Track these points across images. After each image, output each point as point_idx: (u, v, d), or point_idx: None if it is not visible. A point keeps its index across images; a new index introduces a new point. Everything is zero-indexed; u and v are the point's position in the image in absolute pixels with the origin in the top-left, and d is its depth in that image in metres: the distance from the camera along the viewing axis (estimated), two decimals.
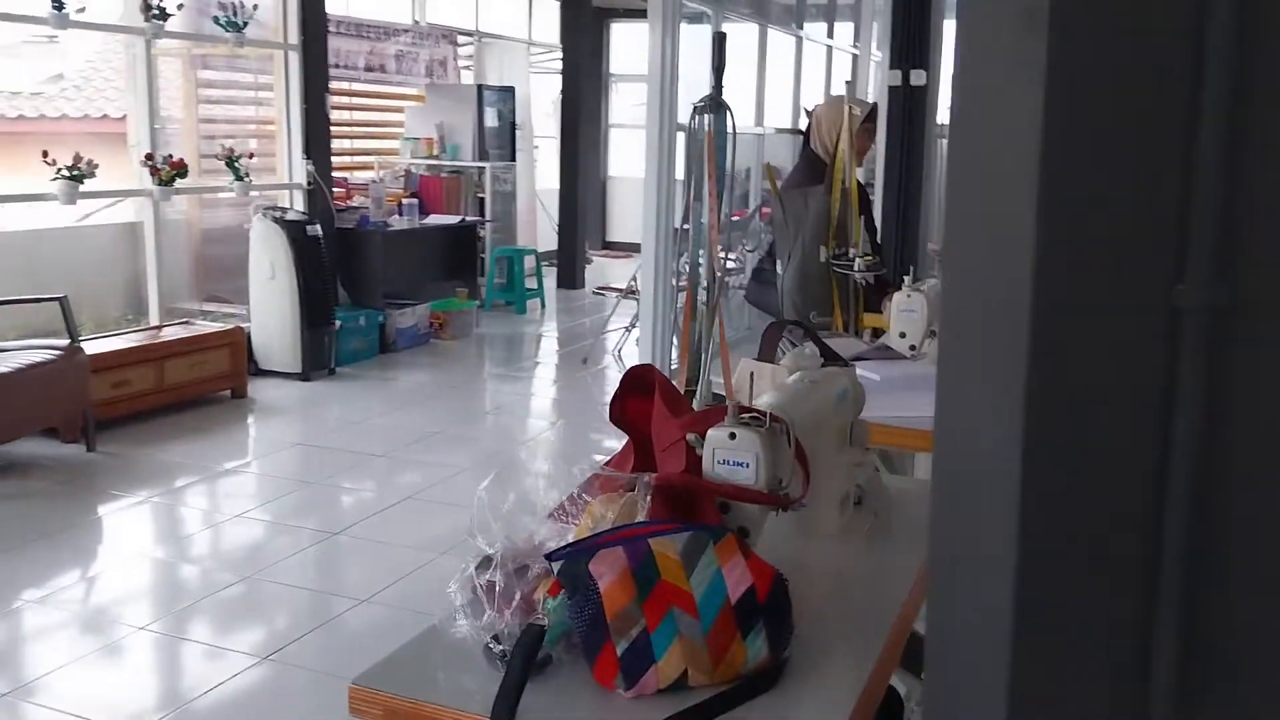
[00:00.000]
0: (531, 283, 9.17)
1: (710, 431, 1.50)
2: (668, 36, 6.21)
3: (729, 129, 3.03)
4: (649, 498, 1.44)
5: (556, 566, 1.30)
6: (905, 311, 2.67)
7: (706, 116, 2.68)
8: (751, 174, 8.08)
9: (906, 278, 2.72)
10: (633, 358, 7.28)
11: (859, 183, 3.38)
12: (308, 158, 6.71)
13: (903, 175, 5.32)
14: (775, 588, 1.34)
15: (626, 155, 13.20)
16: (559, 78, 11.85)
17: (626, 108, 13.30)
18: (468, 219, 8.40)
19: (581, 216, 10.43)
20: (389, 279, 7.36)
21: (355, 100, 8.87)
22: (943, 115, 5.81)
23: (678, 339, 2.70)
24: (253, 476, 4.99)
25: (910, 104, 5.39)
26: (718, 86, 3.16)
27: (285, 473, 5.01)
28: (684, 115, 6.68)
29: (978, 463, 0.94)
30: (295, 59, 6.63)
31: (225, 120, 7.49)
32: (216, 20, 6.11)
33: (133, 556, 3.97)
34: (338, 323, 6.58)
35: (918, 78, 5.41)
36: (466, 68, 10.37)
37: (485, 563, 1.42)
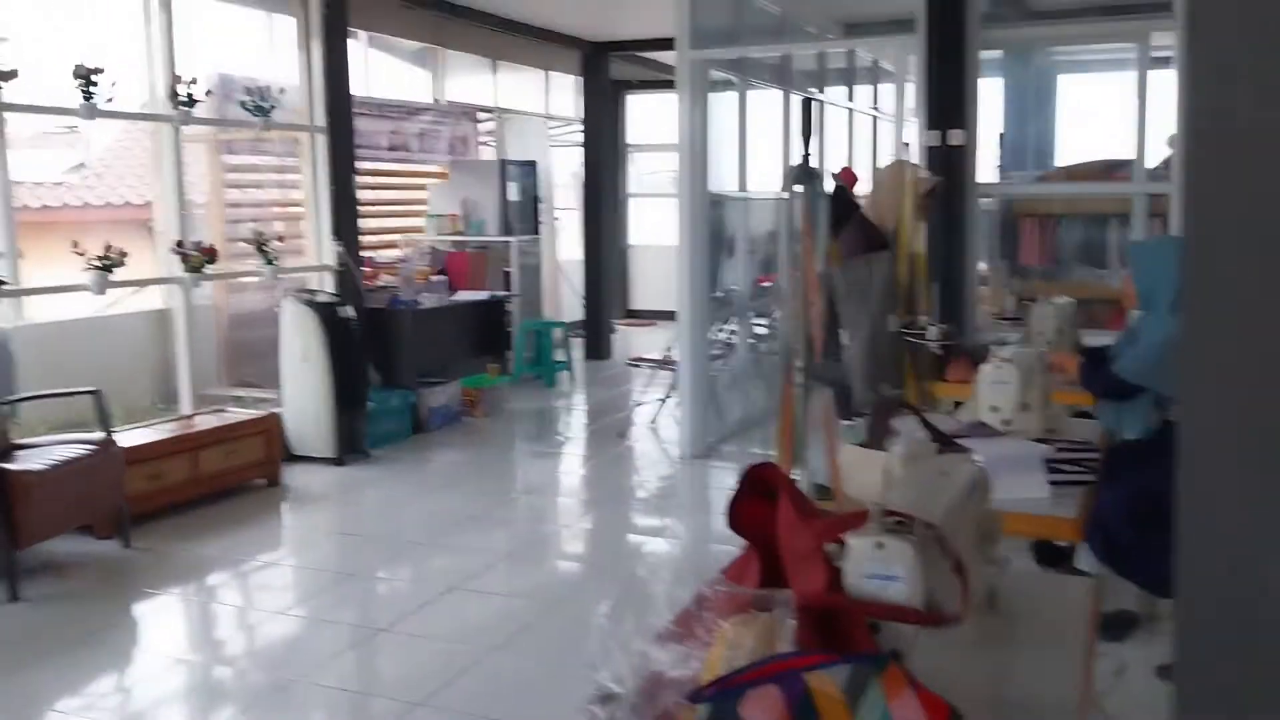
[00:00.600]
0: (560, 355, 9.05)
1: (852, 540, 1.35)
2: (696, 107, 6.17)
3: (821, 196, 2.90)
4: (793, 621, 1.29)
5: (702, 711, 1.15)
6: (996, 384, 2.53)
7: (799, 185, 2.55)
8: (781, 239, 7.99)
9: (995, 346, 2.58)
10: (669, 429, 7.14)
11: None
12: (337, 239, 6.65)
13: (948, 235, 5.22)
14: None
15: (646, 224, 13.18)
16: (577, 150, 11.88)
17: (643, 176, 13.32)
18: (497, 294, 8.31)
19: (606, 286, 10.35)
20: (420, 358, 7.25)
21: (379, 180, 8.85)
22: (981, 174, 5.72)
23: (778, 422, 2.54)
24: (289, 569, 4.83)
25: (949, 163, 5.31)
26: (806, 153, 3.04)
27: (322, 564, 4.84)
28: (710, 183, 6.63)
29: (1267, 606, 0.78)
30: (322, 141, 6.60)
31: (251, 204, 7.46)
32: (244, 105, 6.08)
33: (168, 660, 3.80)
34: (371, 404, 6.46)
35: (956, 138, 5.34)
36: (487, 144, 10.39)
37: (607, 699, 1.27)
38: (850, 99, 9.08)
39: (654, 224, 13.19)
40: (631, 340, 11.30)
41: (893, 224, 3.73)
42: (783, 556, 1.42)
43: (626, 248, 12.79)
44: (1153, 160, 5.43)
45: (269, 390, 6.67)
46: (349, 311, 6.29)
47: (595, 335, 10.20)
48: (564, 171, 11.82)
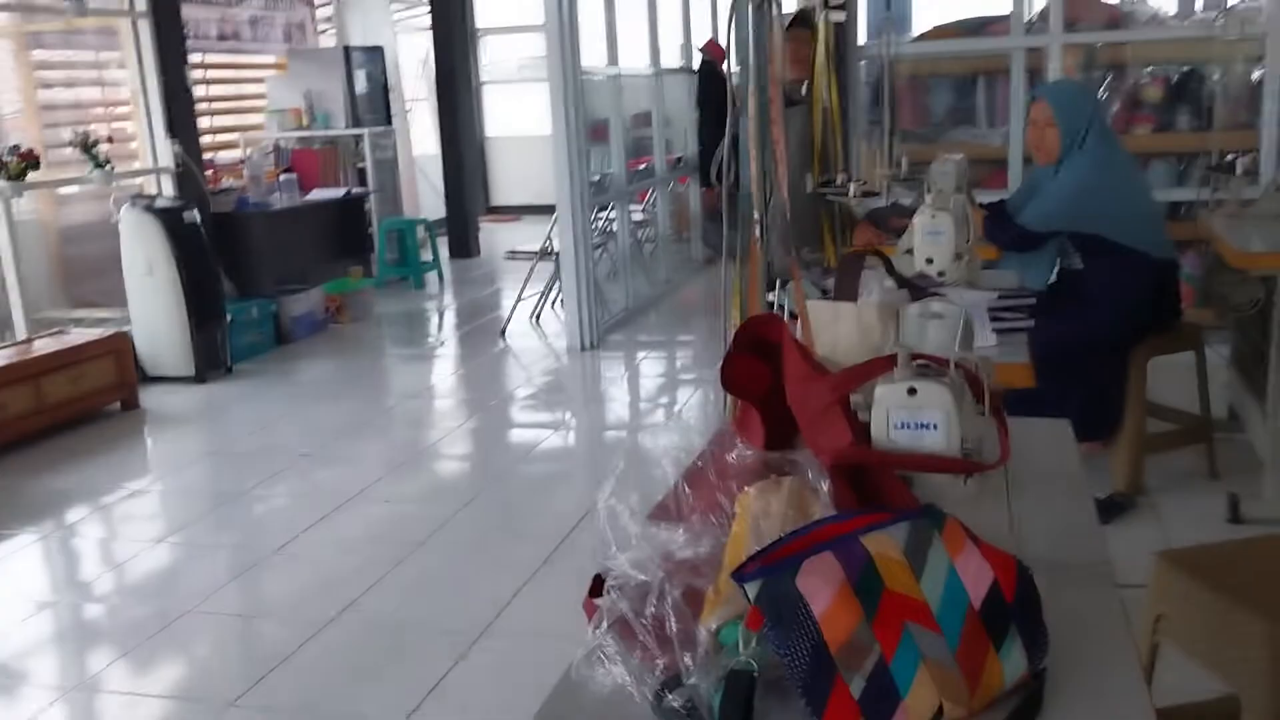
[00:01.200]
0: (426, 255, 8.65)
1: (879, 389, 1.17)
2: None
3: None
4: (826, 481, 1.11)
5: (752, 589, 0.96)
6: (931, 235, 2.40)
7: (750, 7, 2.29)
8: (654, 119, 7.74)
9: (929, 196, 2.44)
10: (552, 323, 6.90)
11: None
12: (173, 137, 6.07)
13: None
14: (1022, 580, 1.03)
15: (502, 113, 12.67)
16: (424, 35, 11.23)
17: (494, 63, 12.74)
18: (354, 191, 7.82)
19: (469, 181, 9.91)
20: (277, 264, 6.78)
21: (210, 74, 8.15)
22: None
23: (741, 276, 2.35)
24: (157, 496, 4.44)
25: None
26: None
27: (195, 488, 4.48)
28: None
29: None
30: (146, 28, 5.95)
31: (69, 105, 6.75)
32: None
33: (31, 604, 3.44)
34: (229, 316, 6.00)
35: (836, 15, 5.16)
36: (327, 30, 9.69)
37: (620, 589, 1.08)
38: None
39: (511, 113, 12.69)
40: (497, 237, 10.92)
41: (798, 76, 3.54)
42: (796, 414, 1.23)
43: (484, 139, 12.28)
44: (1028, 13, 5.38)
45: (114, 309, 6.13)
46: (195, 216, 5.77)
47: (461, 232, 9.79)
48: (411, 58, 11.18)
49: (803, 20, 3.63)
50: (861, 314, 1.64)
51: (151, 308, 5.72)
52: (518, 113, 12.75)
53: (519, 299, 6.95)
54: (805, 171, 2.95)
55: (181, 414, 5.46)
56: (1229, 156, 4.52)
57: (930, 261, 2.42)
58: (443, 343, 7.14)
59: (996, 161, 5.46)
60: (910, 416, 1.14)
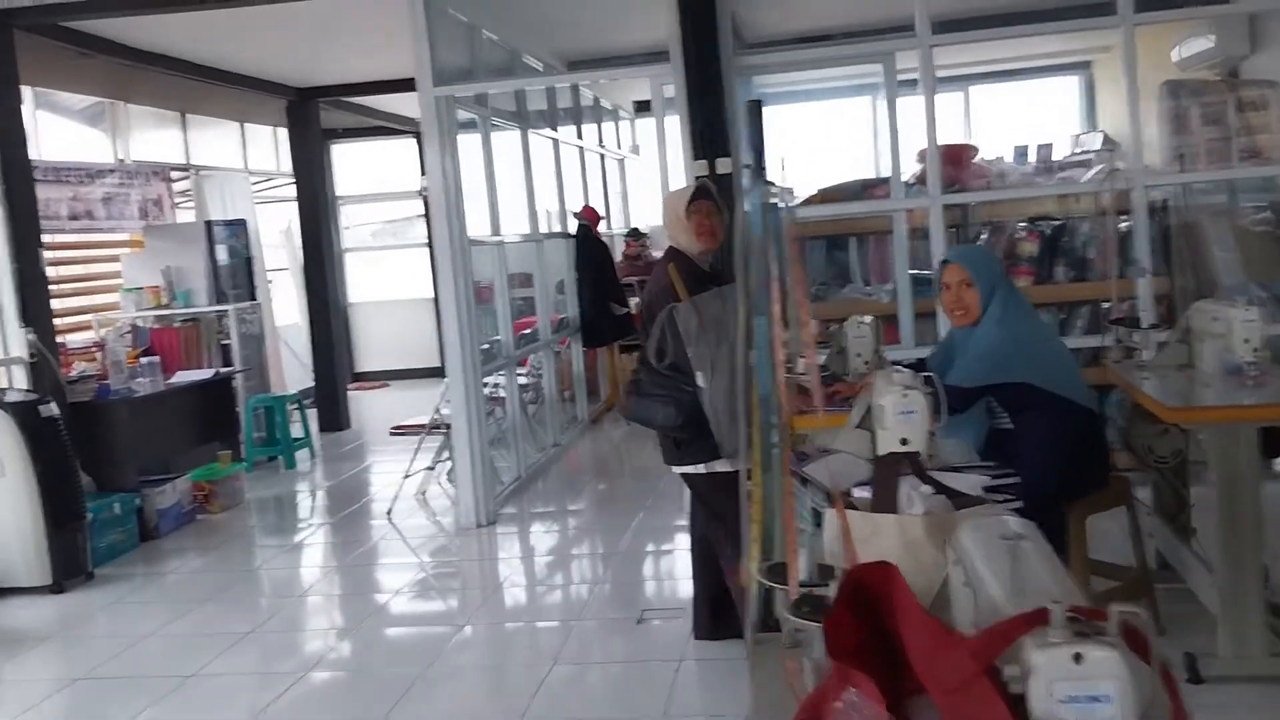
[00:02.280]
0: (297, 430, 8.22)
1: (1036, 655, 1.02)
2: (447, 147, 5.74)
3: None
4: None
5: None
6: (904, 414, 2.30)
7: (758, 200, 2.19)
8: (535, 282, 7.66)
9: (895, 368, 2.37)
10: (440, 499, 6.58)
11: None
12: (26, 326, 5.63)
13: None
14: None
15: (363, 280, 12.46)
16: (281, 206, 11.02)
17: (352, 230, 12.61)
18: (221, 371, 7.41)
19: (338, 350, 9.58)
20: (141, 454, 6.29)
21: (61, 254, 7.71)
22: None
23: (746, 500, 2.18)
24: None
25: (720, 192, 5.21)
26: (762, 165, 2.68)
27: None
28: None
29: None
30: None
31: None
32: None
33: None
34: (89, 515, 5.47)
35: (723, 165, 5.24)
36: (184, 205, 9.37)
37: None
38: (579, 137, 8.93)
39: (371, 279, 12.50)
40: (365, 406, 10.55)
41: (707, 248, 3.54)
42: (926, 682, 1.06)
43: (346, 306, 11.99)
44: (907, 176, 5.58)
45: None
46: (52, 410, 5.30)
47: (331, 404, 9.40)
48: (272, 229, 10.90)
49: (705, 192, 3.63)
50: (905, 528, 1.50)
51: (2, 511, 5.16)
52: (377, 278, 12.61)
53: (406, 475, 6.60)
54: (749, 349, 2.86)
55: (36, 631, 4.87)
56: (1124, 304, 4.70)
57: (905, 442, 2.34)
58: (323, 529, 6.60)
59: (888, 318, 5.56)
60: (1078, 689, 0.99)
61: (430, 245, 13.04)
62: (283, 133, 10.79)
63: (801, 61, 6.16)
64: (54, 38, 6.15)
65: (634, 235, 9.86)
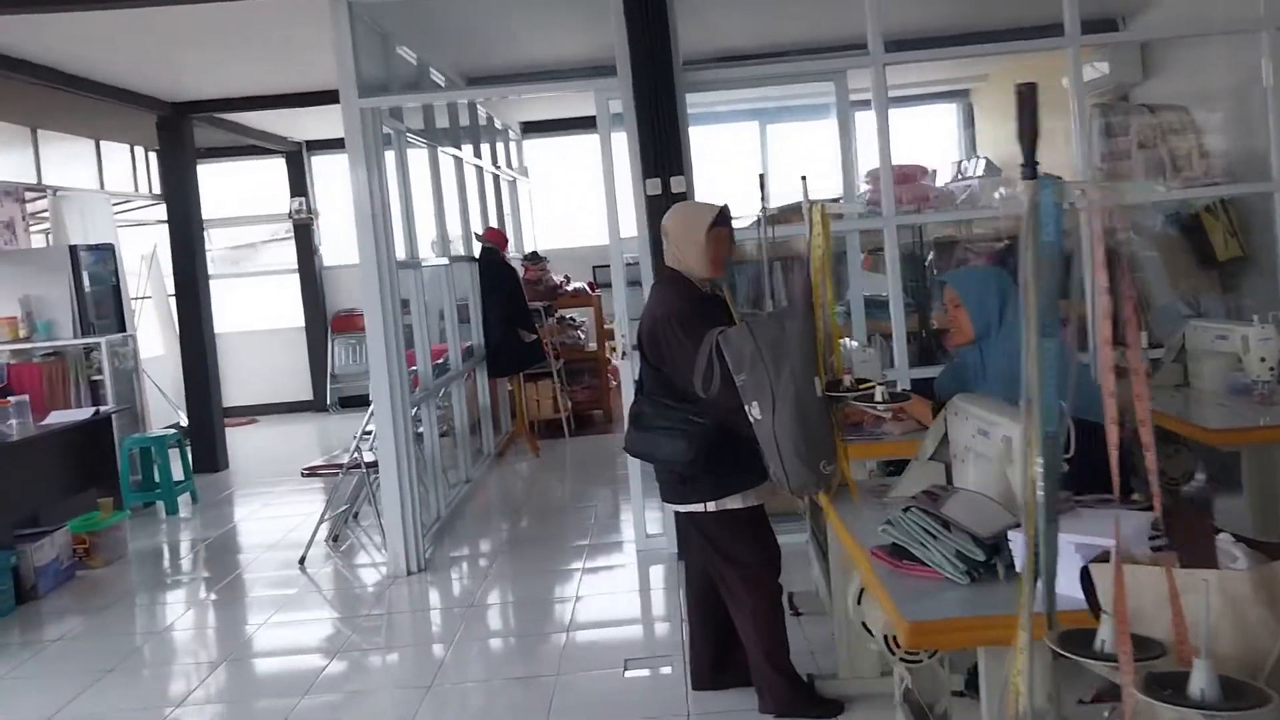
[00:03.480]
0: (177, 472, 7.53)
1: None
2: (374, 166, 5.33)
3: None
4: None
5: None
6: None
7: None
8: (446, 313, 7.23)
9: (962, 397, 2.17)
10: (353, 546, 6.08)
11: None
12: None
13: None
14: None
15: (227, 309, 11.67)
16: (140, 229, 10.23)
17: (215, 255, 11.81)
18: (102, 410, 6.69)
19: (213, 384, 8.87)
20: (15, 505, 5.58)
21: None
22: None
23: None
24: None
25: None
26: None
27: None
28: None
29: None
30: None
31: None
32: None
33: None
34: None
35: (677, 184, 5.02)
36: (37, 229, 8.53)
37: None
38: (476, 155, 8.56)
39: (233, 308, 11.73)
40: (239, 442, 9.82)
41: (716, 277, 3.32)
42: None
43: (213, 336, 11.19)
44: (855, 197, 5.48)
45: None
46: None
47: (207, 443, 8.68)
48: (134, 255, 10.06)
49: (725, 218, 3.38)
50: (1226, 584, 1.28)
51: None
52: (238, 306, 11.87)
53: (322, 519, 6.07)
54: (814, 376, 2.63)
55: None
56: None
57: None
58: (223, 584, 5.78)
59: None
60: None
61: (299, 271, 12.63)
62: (140, 151, 10.02)
63: (751, 79, 6.00)
64: None
65: (533, 259, 9.51)
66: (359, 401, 11.96)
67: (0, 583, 5.23)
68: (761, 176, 4.63)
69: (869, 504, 2.60)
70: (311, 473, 8.04)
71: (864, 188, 5.60)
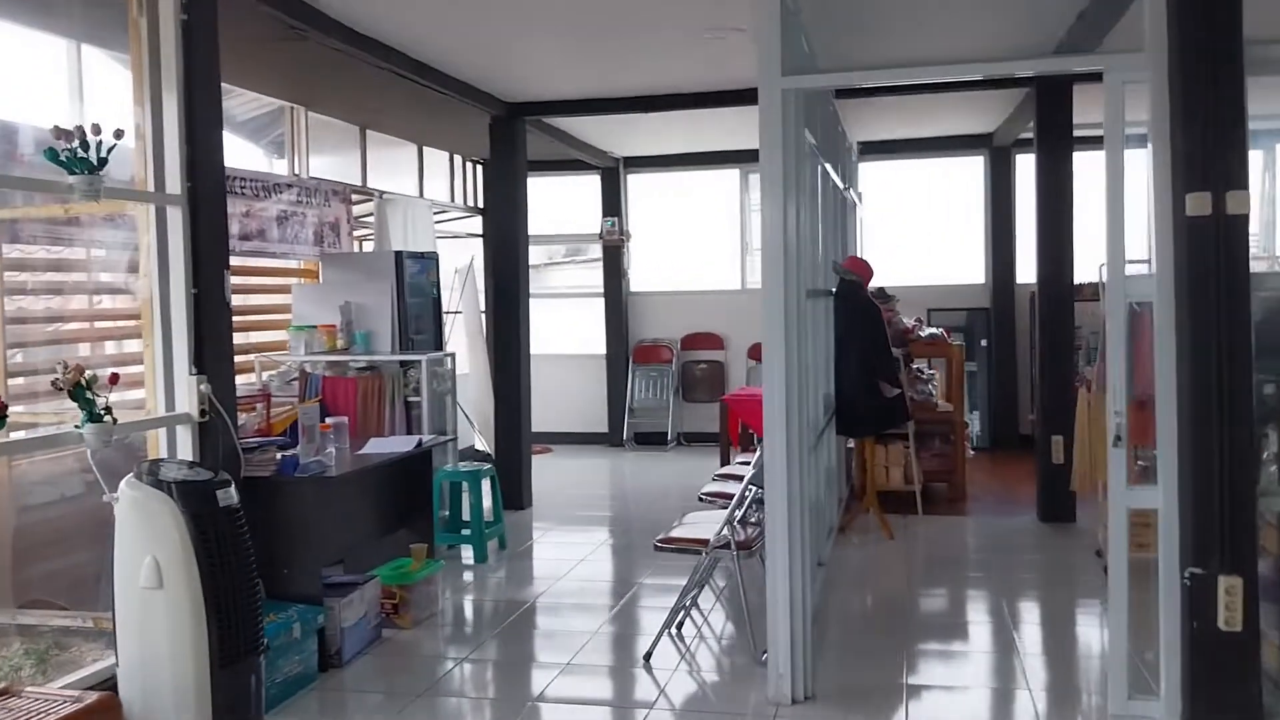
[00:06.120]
0: (489, 512, 6.67)
1: None
2: (790, 169, 4.14)
3: None
4: None
5: None
6: None
7: None
8: (810, 355, 5.98)
9: None
10: (707, 658, 4.86)
11: None
12: (200, 373, 4.16)
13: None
14: None
15: (545, 330, 10.95)
16: (454, 242, 9.65)
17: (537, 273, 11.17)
18: (425, 439, 5.88)
19: (524, 412, 8.05)
20: (325, 551, 4.75)
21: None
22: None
23: None
24: None
25: (1230, 240, 3.51)
26: None
27: None
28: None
29: None
30: (176, 219, 4.13)
31: (45, 318, 4.86)
32: (53, 156, 3.56)
33: None
34: (265, 643, 3.92)
35: (1237, 202, 3.54)
36: (360, 233, 8.01)
37: None
38: (837, 172, 7.30)
39: (556, 330, 11.04)
40: (536, 474, 8.97)
41: None
42: None
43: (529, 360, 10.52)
44: None
45: (81, 614, 4.07)
46: (232, 497, 3.78)
47: (513, 477, 7.84)
48: (445, 268, 9.49)
49: None
50: None
51: (153, 638, 3.63)
52: (543, 328, 11.13)
53: (680, 607, 4.92)
54: None
55: None
56: None
57: None
58: (555, 671, 4.63)
59: None
60: None
61: (605, 295, 11.73)
62: (458, 161, 9.46)
63: None
64: (266, 1, 4.77)
65: (882, 297, 8.15)
66: (655, 439, 11.00)
67: (304, 646, 4.39)
68: None
69: None
70: (709, 499, 6.85)
71: None
